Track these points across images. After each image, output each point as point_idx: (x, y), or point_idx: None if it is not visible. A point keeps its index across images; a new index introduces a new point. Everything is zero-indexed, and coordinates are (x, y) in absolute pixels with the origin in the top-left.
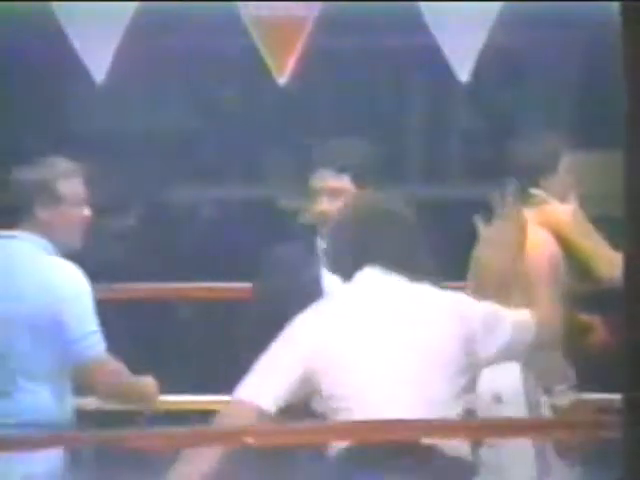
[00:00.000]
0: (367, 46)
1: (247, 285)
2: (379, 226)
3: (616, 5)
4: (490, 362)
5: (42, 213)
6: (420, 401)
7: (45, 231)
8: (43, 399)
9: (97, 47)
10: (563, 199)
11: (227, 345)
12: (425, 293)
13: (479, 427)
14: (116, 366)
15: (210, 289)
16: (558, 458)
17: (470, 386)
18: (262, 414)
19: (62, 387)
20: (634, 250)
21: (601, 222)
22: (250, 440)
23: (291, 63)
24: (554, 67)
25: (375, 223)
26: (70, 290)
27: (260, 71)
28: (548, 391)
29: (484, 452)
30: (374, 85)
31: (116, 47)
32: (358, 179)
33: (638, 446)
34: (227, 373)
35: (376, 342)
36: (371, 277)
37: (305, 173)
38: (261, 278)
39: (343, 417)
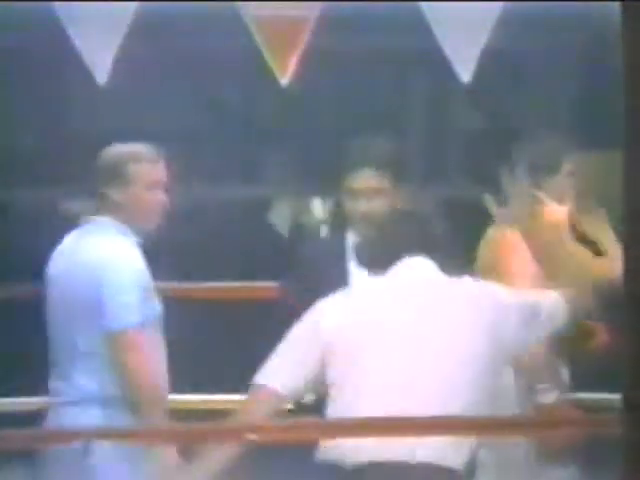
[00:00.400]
0: (369, 47)
1: (270, 284)
2: (411, 223)
3: (615, 6)
4: (522, 351)
5: (116, 196)
6: (437, 392)
7: (120, 214)
8: (99, 379)
9: (99, 48)
10: (562, 201)
11: (254, 344)
12: (454, 285)
13: (475, 425)
14: (141, 353)
15: (234, 289)
16: (546, 459)
17: (497, 376)
18: (279, 398)
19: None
20: (634, 250)
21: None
22: (253, 437)
23: (293, 64)
24: (555, 68)
25: (408, 221)
26: (107, 268)
27: (262, 72)
28: (532, 389)
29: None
30: (376, 85)
31: (118, 48)
32: (394, 178)
33: (637, 446)
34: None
35: (394, 332)
36: (399, 270)
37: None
38: (291, 276)
39: (337, 408)
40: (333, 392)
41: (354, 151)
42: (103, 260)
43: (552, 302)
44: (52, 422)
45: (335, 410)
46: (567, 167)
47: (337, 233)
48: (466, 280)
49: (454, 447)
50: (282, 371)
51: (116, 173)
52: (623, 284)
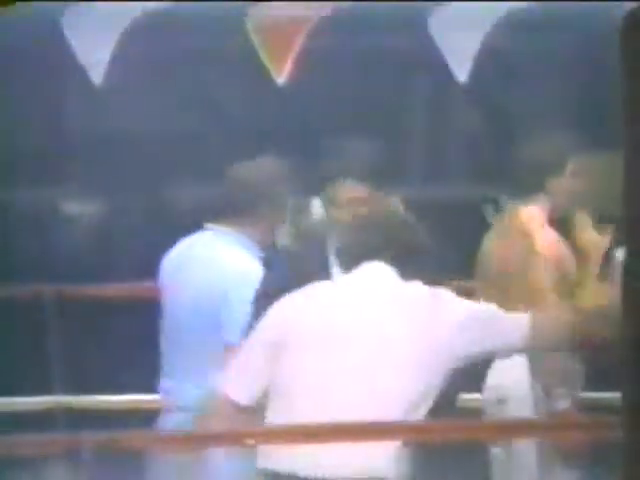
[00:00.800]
0: (365, 47)
1: None
2: (381, 226)
3: (614, 6)
4: (472, 361)
5: (250, 211)
6: (370, 395)
7: (247, 228)
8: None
9: (95, 49)
10: (567, 202)
11: None
12: (408, 291)
13: (480, 428)
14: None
15: None
16: (560, 460)
17: (444, 384)
18: (241, 409)
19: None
20: (633, 250)
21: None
22: (251, 442)
23: (289, 64)
24: (551, 68)
25: (378, 224)
26: (238, 283)
27: (259, 72)
28: (547, 393)
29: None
30: (372, 86)
31: (114, 49)
32: (375, 185)
33: (637, 447)
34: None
35: (338, 333)
36: (354, 276)
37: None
38: (270, 276)
39: (275, 408)
40: (272, 392)
41: (333, 159)
42: (235, 275)
43: (514, 321)
44: (164, 424)
45: (273, 411)
46: (571, 167)
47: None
48: (419, 288)
49: (387, 457)
50: (240, 382)
51: (262, 190)
52: (622, 283)
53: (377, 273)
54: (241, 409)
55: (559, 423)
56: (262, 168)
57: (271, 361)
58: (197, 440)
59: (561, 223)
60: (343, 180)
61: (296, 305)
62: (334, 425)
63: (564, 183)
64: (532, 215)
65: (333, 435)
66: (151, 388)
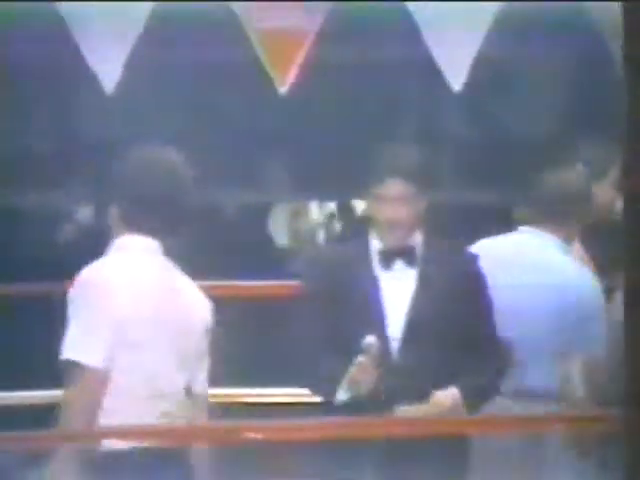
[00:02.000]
0: (365, 57)
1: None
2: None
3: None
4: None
5: (571, 216)
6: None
7: (557, 228)
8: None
9: (107, 59)
10: (609, 207)
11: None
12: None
13: (482, 422)
14: None
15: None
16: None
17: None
18: (92, 372)
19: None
20: (634, 252)
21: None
22: (252, 435)
23: (292, 73)
24: (545, 76)
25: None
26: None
27: (262, 81)
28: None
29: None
30: (371, 94)
31: (126, 58)
32: (419, 185)
33: (638, 443)
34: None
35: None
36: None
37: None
38: (312, 277)
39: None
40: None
41: (381, 158)
42: (573, 284)
43: None
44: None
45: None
46: (614, 174)
47: (355, 236)
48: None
49: None
50: (88, 344)
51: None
52: (624, 280)
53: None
54: (92, 371)
55: (561, 416)
56: (578, 172)
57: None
58: (198, 434)
59: None
60: (388, 177)
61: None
62: (331, 421)
63: (607, 189)
64: None
65: (329, 430)
66: None
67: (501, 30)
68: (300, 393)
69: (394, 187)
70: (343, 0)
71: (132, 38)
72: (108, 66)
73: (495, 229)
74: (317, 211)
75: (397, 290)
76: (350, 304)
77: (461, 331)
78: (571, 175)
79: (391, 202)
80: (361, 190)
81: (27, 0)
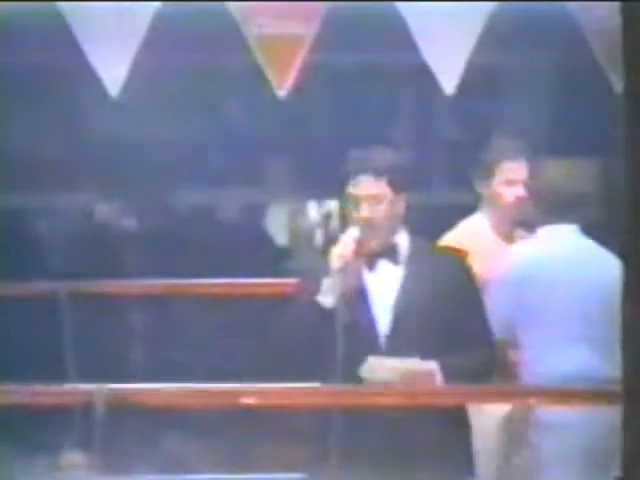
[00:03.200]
0: (361, 62)
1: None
2: None
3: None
4: None
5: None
6: None
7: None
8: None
9: (112, 64)
10: (497, 208)
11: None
12: None
13: (472, 393)
14: None
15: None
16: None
17: None
18: None
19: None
20: (633, 249)
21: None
22: (249, 400)
23: (290, 78)
24: (534, 81)
25: None
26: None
27: (262, 84)
28: None
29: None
30: (367, 98)
31: (130, 63)
32: (395, 184)
33: (637, 436)
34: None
35: None
36: None
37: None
38: (309, 276)
39: None
40: None
41: (356, 158)
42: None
43: None
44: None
45: None
46: (504, 174)
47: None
48: None
49: None
50: None
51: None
52: (623, 279)
53: None
54: None
55: (559, 391)
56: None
57: None
58: (195, 397)
59: None
60: (362, 176)
61: None
62: (329, 387)
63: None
64: None
65: (330, 396)
66: None
67: (493, 35)
68: None
69: (367, 186)
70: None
71: (135, 43)
72: (112, 70)
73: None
74: (315, 211)
75: (383, 289)
76: (338, 310)
77: (447, 327)
78: (584, 172)
79: (366, 201)
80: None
81: (31, 0)
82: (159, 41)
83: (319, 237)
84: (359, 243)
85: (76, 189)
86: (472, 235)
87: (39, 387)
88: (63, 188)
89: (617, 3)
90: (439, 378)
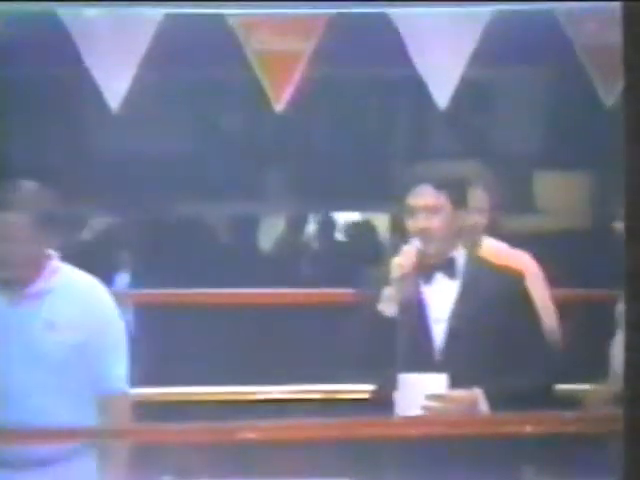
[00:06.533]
0: (357, 77)
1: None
2: None
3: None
4: None
5: None
6: None
7: None
8: None
9: (114, 77)
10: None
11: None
12: None
13: (482, 422)
14: None
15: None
16: None
17: None
18: None
19: None
20: (634, 251)
21: (564, 235)
22: (250, 435)
23: (288, 93)
24: (524, 96)
25: None
26: None
27: (260, 99)
28: None
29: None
30: (362, 111)
31: (132, 77)
32: (455, 199)
33: (637, 444)
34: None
35: None
36: None
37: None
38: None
39: None
40: None
41: (417, 169)
42: None
43: None
44: None
45: None
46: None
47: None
48: None
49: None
50: None
51: None
52: (624, 280)
53: None
54: None
55: (558, 417)
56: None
57: None
58: (194, 434)
59: None
60: (421, 187)
61: None
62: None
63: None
64: None
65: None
66: None
67: (486, 50)
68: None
69: (425, 195)
70: None
71: (137, 57)
72: (114, 84)
73: None
74: (312, 222)
75: (439, 302)
76: (398, 319)
77: (501, 347)
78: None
79: (423, 211)
80: (354, 203)
81: (35, 0)
82: (160, 55)
83: (316, 248)
84: (418, 254)
85: (74, 201)
86: None
87: None
88: (62, 200)
89: (608, 18)
90: (483, 407)
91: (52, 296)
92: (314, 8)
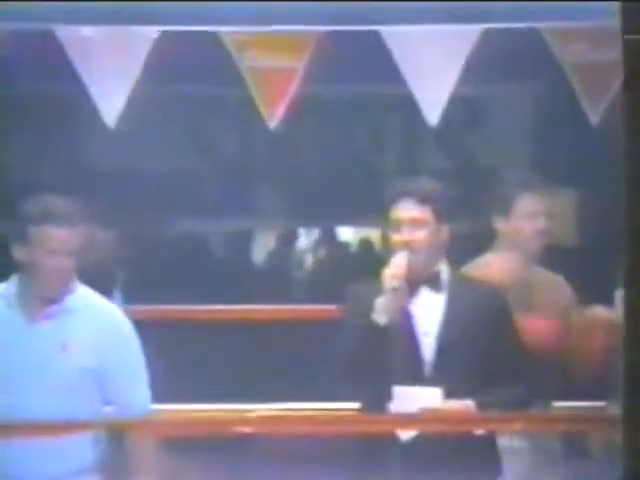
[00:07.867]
0: (348, 94)
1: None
2: None
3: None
4: None
5: None
6: None
7: None
8: None
9: (110, 94)
10: (517, 243)
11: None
12: None
13: (480, 420)
14: None
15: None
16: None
17: None
18: None
19: None
20: (634, 260)
21: (562, 254)
22: (246, 429)
23: (281, 109)
24: (513, 113)
25: None
26: None
27: (254, 116)
28: None
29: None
30: (353, 128)
31: (128, 94)
32: (439, 213)
33: (637, 455)
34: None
35: None
36: None
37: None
38: (350, 304)
39: None
40: None
41: (401, 184)
42: None
43: None
44: None
45: None
46: (522, 207)
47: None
48: None
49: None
50: None
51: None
52: (623, 298)
53: None
54: None
55: (558, 416)
56: None
57: None
58: (190, 426)
59: None
60: (404, 200)
61: None
62: (325, 412)
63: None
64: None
65: (325, 421)
66: None
67: (476, 68)
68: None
69: (409, 209)
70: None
71: (134, 73)
72: (110, 101)
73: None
74: (304, 237)
75: (425, 316)
76: (391, 329)
77: (486, 359)
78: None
79: (407, 224)
80: (346, 218)
81: None
82: (155, 72)
83: (309, 263)
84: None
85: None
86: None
87: None
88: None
89: (595, 36)
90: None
91: (68, 316)
92: (307, 26)
